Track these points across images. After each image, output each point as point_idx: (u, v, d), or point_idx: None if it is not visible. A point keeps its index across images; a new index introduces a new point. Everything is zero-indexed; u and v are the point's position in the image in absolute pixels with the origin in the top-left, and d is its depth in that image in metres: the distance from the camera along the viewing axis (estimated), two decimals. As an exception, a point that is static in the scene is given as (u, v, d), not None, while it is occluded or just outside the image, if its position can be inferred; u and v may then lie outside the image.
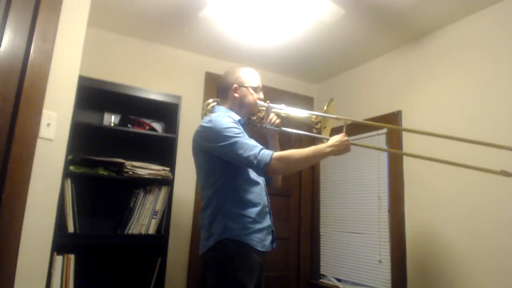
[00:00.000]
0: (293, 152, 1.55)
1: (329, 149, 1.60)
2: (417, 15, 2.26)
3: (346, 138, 1.64)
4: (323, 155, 1.61)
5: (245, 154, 1.49)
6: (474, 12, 2.19)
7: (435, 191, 2.25)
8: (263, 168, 1.47)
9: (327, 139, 1.66)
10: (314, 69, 3.18)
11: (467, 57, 2.20)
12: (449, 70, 2.30)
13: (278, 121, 1.78)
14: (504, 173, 1.47)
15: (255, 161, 1.48)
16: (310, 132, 1.80)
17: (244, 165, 1.56)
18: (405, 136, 2.50)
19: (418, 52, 2.52)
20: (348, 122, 1.78)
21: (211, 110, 1.82)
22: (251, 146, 1.51)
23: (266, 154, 1.49)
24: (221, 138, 1.53)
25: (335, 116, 1.75)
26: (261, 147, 1.53)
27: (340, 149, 1.61)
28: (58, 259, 1.97)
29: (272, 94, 3.03)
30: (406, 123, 2.52)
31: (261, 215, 1.61)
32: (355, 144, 1.69)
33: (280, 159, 1.50)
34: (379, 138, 2.69)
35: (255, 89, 1.77)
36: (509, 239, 1.86)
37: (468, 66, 2.19)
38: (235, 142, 1.52)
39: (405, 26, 2.40)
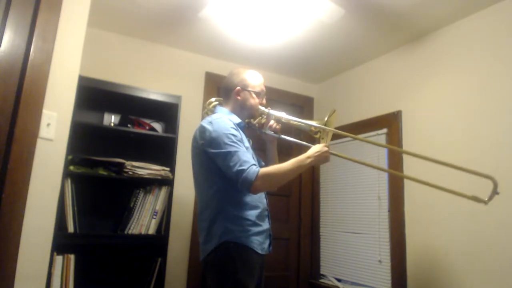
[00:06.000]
0: (276, 169, 1.54)
1: (309, 160, 1.60)
2: (417, 15, 2.26)
3: (326, 148, 1.65)
4: (304, 166, 1.61)
5: (234, 169, 1.47)
6: (474, 12, 2.19)
7: (435, 191, 2.23)
8: (249, 185, 1.46)
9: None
10: (314, 69, 3.18)
11: (467, 57, 2.20)
12: (449, 70, 2.30)
13: (278, 127, 1.78)
14: (475, 199, 1.49)
15: (240, 179, 1.46)
16: (310, 139, 1.80)
17: (231, 178, 1.51)
18: (405, 137, 2.50)
19: (418, 52, 2.52)
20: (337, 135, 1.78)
21: (213, 110, 1.82)
22: (242, 161, 1.48)
23: (253, 171, 1.46)
24: (216, 144, 1.52)
25: (333, 129, 1.75)
26: (251, 163, 1.49)
27: (319, 160, 1.63)
28: (58, 259, 1.96)
29: (272, 94, 3.03)
30: (406, 123, 2.52)
31: (260, 218, 1.61)
32: (334, 154, 1.70)
33: (263, 178, 1.47)
34: (379, 138, 2.69)
35: (258, 94, 1.76)
36: (508, 239, 1.86)
37: (468, 66, 2.19)
38: (229, 152, 1.50)
39: (405, 26, 2.40)
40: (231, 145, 1.51)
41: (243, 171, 1.46)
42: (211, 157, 1.55)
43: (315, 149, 1.64)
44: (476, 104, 2.11)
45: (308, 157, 1.60)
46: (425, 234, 2.27)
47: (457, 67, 2.25)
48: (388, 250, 2.49)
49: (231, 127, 1.58)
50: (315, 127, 1.76)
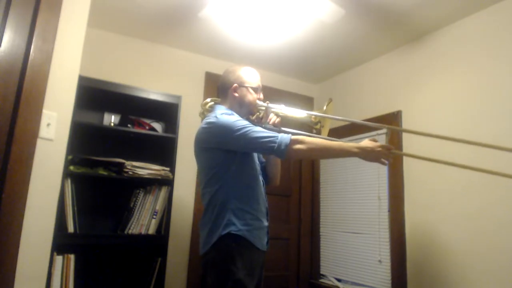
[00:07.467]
0: (313, 139, 1.57)
1: (356, 150, 1.55)
2: (417, 15, 2.26)
3: (379, 149, 1.55)
4: (347, 152, 1.59)
5: (264, 139, 1.52)
6: (474, 12, 2.19)
7: (435, 191, 2.25)
8: (284, 149, 1.50)
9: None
10: (314, 69, 3.18)
11: (467, 57, 2.20)
12: (449, 70, 2.30)
13: (277, 120, 1.79)
14: None
15: (275, 144, 1.51)
16: (310, 132, 1.80)
17: (263, 150, 1.57)
18: (405, 136, 2.50)
19: (418, 52, 2.52)
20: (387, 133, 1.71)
21: (209, 110, 1.82)
22: (267, 132, 1.55)
23: (286, 136, 1.52)
24: (236, 129, 1.55)
25: (334, 116, 1.76)
26: (277, 133, 1.57)
27: (368, 156, 1.56)
28: (58, 259, 1.96)
29: (272, 94, 3.03)
30: (406, 123, 2.52)
31: (261, 214, 1.64)
32: (396, 153, 1.60)
33: (301, 141, 1.53)
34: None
35: (255, 89, 1.77)
36: (508, 239, 1.86)
37: (468, 66, 2.19)
38: (250, 130, 1.54)
39: (405, 26, 2.40)
40: (248, 125, 1.56)
41: (275, 137, 1.52)
42: (228, 145, 1.57)
43: (369, 144, 1.56)
44: (476, 104, 2.11)
45: (358, 147, 1.55)
46: (425, 234, 2.27)
47: (457, 67, 2.25)
48: (388, 250, 2.49)
49: (237, 116, 1.63)
50: (315, 117, 1.77)
